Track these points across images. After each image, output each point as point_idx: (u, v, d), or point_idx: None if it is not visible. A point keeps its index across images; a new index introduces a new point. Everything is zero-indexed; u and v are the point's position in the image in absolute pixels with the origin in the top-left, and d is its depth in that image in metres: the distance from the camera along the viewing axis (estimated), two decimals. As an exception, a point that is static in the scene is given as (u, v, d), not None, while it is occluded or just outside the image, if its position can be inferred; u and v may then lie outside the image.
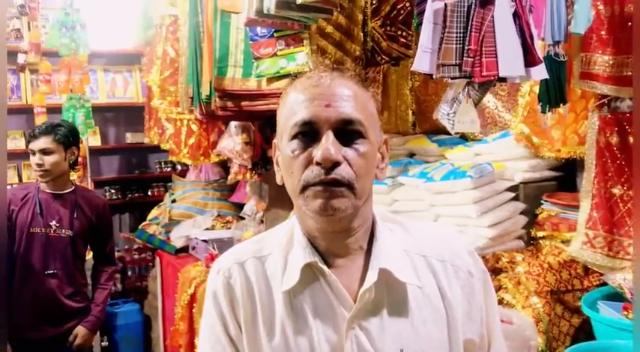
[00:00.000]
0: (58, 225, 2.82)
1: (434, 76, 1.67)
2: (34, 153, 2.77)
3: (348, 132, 0.93)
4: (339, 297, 0.96)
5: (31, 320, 2.79)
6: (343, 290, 0.96)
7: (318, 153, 0.91)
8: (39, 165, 2.75)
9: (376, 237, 1.00)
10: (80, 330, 2.83)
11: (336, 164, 0.91)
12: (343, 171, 0.91)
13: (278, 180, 1.03)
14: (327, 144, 0.90)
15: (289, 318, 0.96)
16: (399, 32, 2.95)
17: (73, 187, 2.93)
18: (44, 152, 2.75)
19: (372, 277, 0.95)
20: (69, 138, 2.81)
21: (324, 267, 0.96)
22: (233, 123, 3.44)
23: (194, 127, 3.88)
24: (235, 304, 1.00)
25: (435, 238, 1.06)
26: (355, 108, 0.94)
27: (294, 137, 0.94)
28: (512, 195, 2.14)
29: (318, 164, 0.90)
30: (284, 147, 0.97)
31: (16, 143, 4.99)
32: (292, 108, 0.95)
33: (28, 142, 2.85)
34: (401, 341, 0.95)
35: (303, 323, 0.96)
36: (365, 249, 1.00)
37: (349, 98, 0.94)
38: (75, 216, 2.85)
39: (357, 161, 0.93)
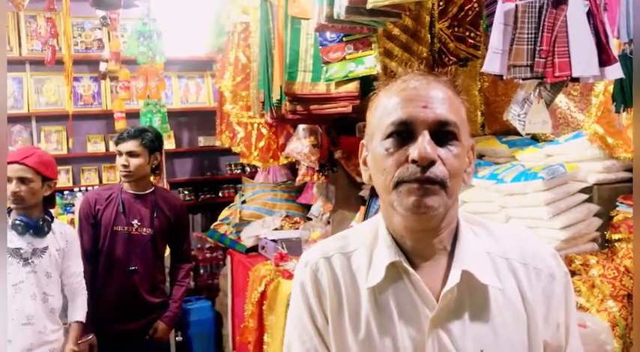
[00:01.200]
0: (139, 223, 2.99)
1: (504, 77, 1.67)
2: (120, 154, 2.95)
3: (443, 133, 0.95)
4: (423, 297, 0.98)
5: (114, 313, 2.96)
6: (426, 290, 0.97)
7: (414, 151, 0.93)
8: (124, 166, 2.93)
9: (459, 239, 1.01)
10: (159, 325, 3.00)
11: (432, 163, 0.93)
12: (437, 170, 0.93)
13: (365, 180, 1.06)
14: (424, 144, 0.92)
15: (374, 314, 0.99)
16: (467, 33, 2.93)
17: (153, 188, 3.10)
18: (130, 154, 2.93)
19: (454, 278, 0.97)
20: (154, 143, 3.00)
21: (408, 267, 0.99)
22: (301, 127, 3.52)
23: (264, 131, 3.99)
24: (322, 296, 1.04)
25: (518, 241, 1.06)
26: (450, 110, 0.97)
27: (389, 136, 0.96)
28: (586, 196, 2.10)
29: (414, 162, 0.93)
30: (375, 146, 0.99)
31: (97, 147, 5.27)
32: (387, 109, 0.98)
33: (116, 144, 3.02)
34: (482, 343, 0.96)
35: (388, 321, 0.99)
36: (449, 250, 1.01)
37: (444, 101, 0.97)
38: (155, 215, 3.02)
39: (451, 161, 0.95)
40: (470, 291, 0.99)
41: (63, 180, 5.06)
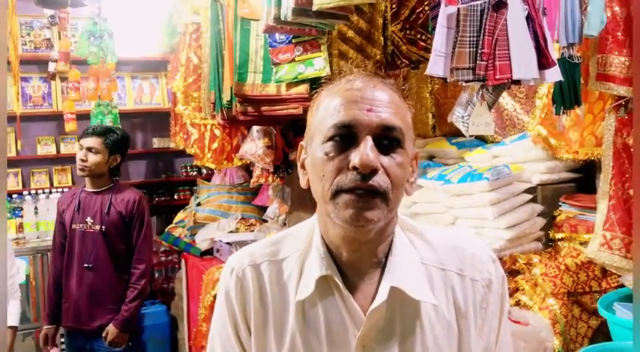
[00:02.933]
0: (92, 220, 3.01)
1: (448, 80, 1.69)
2: (81, 148, 3.00)
3: (387, 139, 0.90)
4: (352, 314, 0.93)
5: (74, 310, 2.99)
6: (356, 307, 0.93)
7: (356, 158, 0.86)
8: (82, 160, 2.97)
9: (392, 251, 0.96)
10: (110, 328, 2.96)
11: (373, 171, 0.87)
12: (380, 180, 0.87)
13: (303, 184, 0.99)
14: (367, 150, 0.86)
15: (300, 330, 0.95)
16: (419, 36, 2.97)
17: (111, 184, 3.08)
18: (90, 150, 2.97)
19: (381, 296, 0.92)
20: (117, 144, 3.03)
21: (339, 282, 0.93)
22: (255, 128, 3.50)
23: (217, 132, 3.95)
24: (247, 306, 0.98)
25: (456, 248, 1.01)
26: (396, 115, 0.91)
27: (330, 139, 0.90)
28: (530, 196, 2.14)
29: (354, 169, 0.86)
30: (315, 150, 0.93)
31: (48, 149, 5.12)
32: (329, 110, 0.92)
33: (80, 137, 3.10)
34: None
35: (314, 338, 0.94)
36: (383, 263, 0.96)
37: (390, 105, 0.91)
38: (106, 211, 3.00)
39: (395, 170, 0.89)
40: (401, 307, 0.94)
41: (12, 183, 4.91)
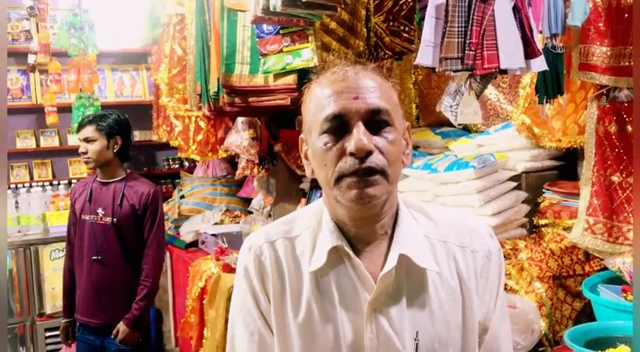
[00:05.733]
0: (103, 212, 2.90)
1: (437, 70, 1.71)
2: (81, 142, 2.92)
3: (376, 121, 0.97)
4: (363, 280, 1.00)
5: (85, 305, 2.92)
6: (366, 273, 1.00)
7: (351, 144, 0.95)
8: (83, 153, 2.90)
9: (399, 223, 1.04)
10: (121, 327, 2.86)
11: (369, 153, 0.95)
12: (376, 159, 0.95)
13: (308, 174, 1.07)
14: (360, 135, 0.94)
15: (315, 297, 1.02)
16: (402, 27, 3.00)
17: (124, 176, 2.98)
18: (87, 140, 2.88)
19: (391, 262, 0.99)
20: (113, 127, 2.92)
21: (350, 251, 1.01)
22: (240, 119, 3.50)
23: (202, 124, 3.94)
24: (265, 279, 1.05)
25: (456, 223, 1.09)
26: (381, 98, 0.98)
27: (325, 131, 0.98)
28: (515, 184, 2.19)
29: (352, 154, 0.95)
30: (314, 141, 1.01)
31: (27, 142, 5.05)
32: (320, 103, 1.00)
33: (77, 131, 3.04)
34: (418, 325, 1.00)
35: (328, 303, 1.01)
36: (389, 235, 1.04)
37: (375, 89, 0.99)
38: (118, 203, 2.90)
39: (388, 148, 0.97)
40: (408, 274, 1.02)
41: (-10, 177, 4.83)
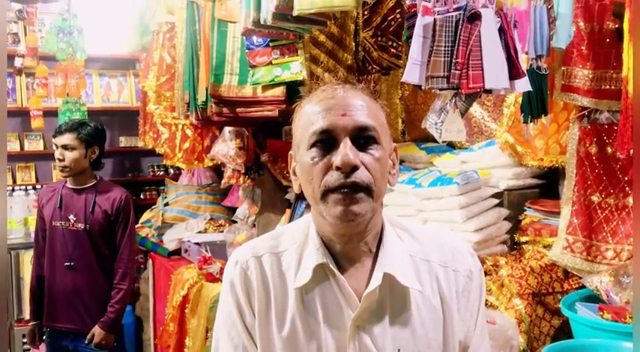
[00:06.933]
0: (75, 218, 2.93)
1: (423, 87, 1.75)
2: (57, 147, 2.91)
3: (363, 138, 1.00)
4: (347, 297, 1.02)
5: (56, 309, 2.93)
6: (350, 291, 1.02)
7: (337, 158, 0.97)
8: (60, 160, 2.90)
9: (383, 242, 1.06)
10: (95, 330, 2.89)
11: (355, 168, 0.97)
12: (362, 175, 0.98)
13: (296, 189, 1.09)
14: (346, 150, 0.97)
15: (300, 313, 1.03)
16: (390, 43, 3.03)
17: (95, 182, 3.01)
18: (65, 147, 2.89)
19: (376, 280, 1.01)
20: (92, 137, 2.95)
21: (335, 268, 1.03)
22: (227, 129, 3.51)
23: (189, 132, 3.94)
24: (251, 294, 1.06)
25: (439, 243, 1.12)
26: (369, 116, 1.01)
27: (313, 145, 1.01)
28: (497, 201, 2.22)
29: (337, 169, 0.97)
30: (302, 156, 1.03)
31: (11, 145, 4.99)
32: (309, 119, 1.02)
33: (53, 136, 2.99)
34: (400, 343, 1.02)
35: (313, 320, 1.03)
36: (373, 253, 1.06)
37: (362, 107, 1.02)
38: (90, 210, 2.92)
39: (374, 165, 0.99)
40: (391, 292, 1.04)
41: (-28, 179, 4.78)
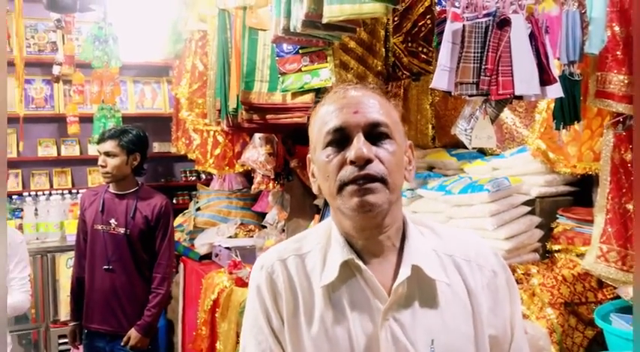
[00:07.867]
0: (116, 223, 2.99)
1: (452, 94, 1.74)
2: (100, 154, 2.99)
3: (376, 134, 1.02)
4: (375, 291, 1.03)
5: (95, 312, 3.00)
6: (378, 285, 1.03)
7: (351, 152, 0.99)
8: (102, 166, 2.98)
9: (407, 237, 1.08)
10: (132, 332, 2.95)
11: (368, 161, 0.99)
12: (376, 167, 1.00)
13: (315, 190, 1.11)
14: (359, 144, 0.99)
15: (328, 310, 1.04)
16: (420, 48, 3.02)
17: (137, 188, 3.07)
18: (108, 154, 2.96)
19: (405, 272, 1.03)
20: (134, 144, 3.01)
21: (361, 263, 1.04)
22: (257, 135, 3.55)
23: (220, 138, 3.99)
24: (278, 297, 1.08)
25: (462, 240, 1.14)
26: (380, 113, 1.04)
27: (328, 145, 1.03)
28: (529, 208, 2.19)
29: (352, 163, 0.99)
30: (318, 156, 1.06)
31: (49, 151, 5.15)
32: (323, 120, 1.05)
33: (97, 143, 3.09)
34: (432, 333, 1.02)
35: (341, 315, 1.04)
36: (397, 248, 1.07)
37: (374, 105, 1.04)
38: (131, 215, 2.99)
39: (388, 158, 1.01)
40: (419, 285, 1.05)
41: (12, 184, 4.93)
